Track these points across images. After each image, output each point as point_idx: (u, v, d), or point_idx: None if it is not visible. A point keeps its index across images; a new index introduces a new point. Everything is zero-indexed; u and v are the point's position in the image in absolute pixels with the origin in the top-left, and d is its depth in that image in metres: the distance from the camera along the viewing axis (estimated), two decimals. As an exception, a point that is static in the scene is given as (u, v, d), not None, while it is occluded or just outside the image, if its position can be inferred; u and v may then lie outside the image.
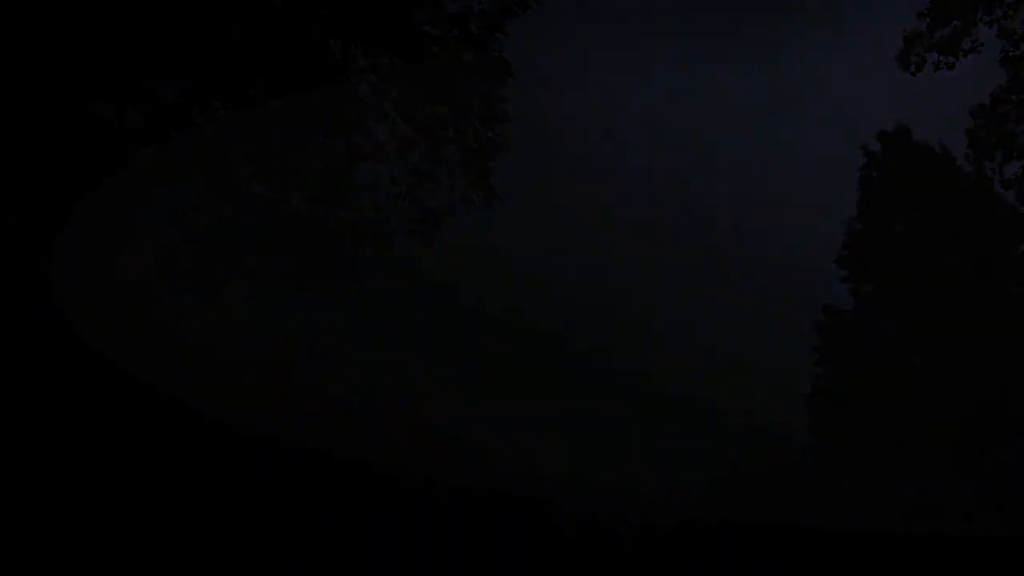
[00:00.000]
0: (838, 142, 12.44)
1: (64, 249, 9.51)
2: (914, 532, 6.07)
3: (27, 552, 5.76)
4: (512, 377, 7.68)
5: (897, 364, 8.69)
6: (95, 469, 6.50)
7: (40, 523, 6.03)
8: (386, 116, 12.28)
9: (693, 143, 12.41)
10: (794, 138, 12.65)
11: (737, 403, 7.26)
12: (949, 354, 8.58)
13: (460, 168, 11.89)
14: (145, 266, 9.34)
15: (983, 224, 11.56)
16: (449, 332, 8.31)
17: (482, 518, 5.87)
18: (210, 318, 8.53)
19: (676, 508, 6.12)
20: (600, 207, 10.78)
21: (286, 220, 10.24)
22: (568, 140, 12.52)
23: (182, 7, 10.78)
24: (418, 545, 5.81)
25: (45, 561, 5.76)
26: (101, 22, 10.37)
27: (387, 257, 9.91)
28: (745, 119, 13.20)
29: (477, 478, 6.45)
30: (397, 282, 9.32)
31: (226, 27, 11.30)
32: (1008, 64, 13.56)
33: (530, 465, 6.70)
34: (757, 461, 6.61)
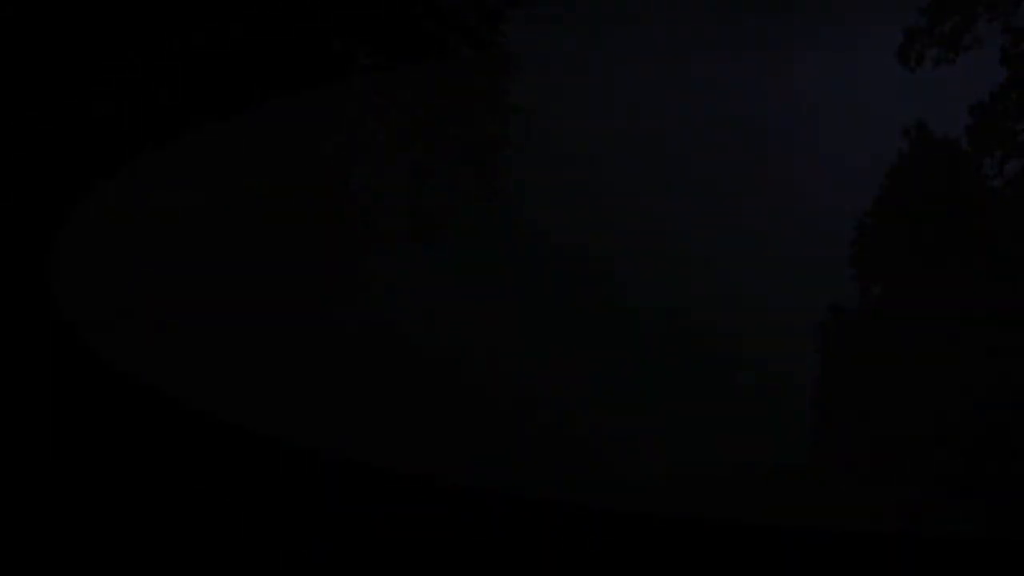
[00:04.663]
0: (843, 140, 12.43)
1: (64, 249, 9.51)
2: (914, 533, 6.10)
3: (27, 552, 5.78)
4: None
5: (901, 364, 8.69)
6: (96, 469, 6.53)
7: (40, 524, 6.05)
8: (386, 113, 12.29)
9: (694, 140, 12.41)
10: (798, 135, 12.65)
11: (738, 402, 7.27)
12: (956, 355, 8.57)
13: (461, 164, 11.90)
14: (145, 267, 9.34)
15: (986, 223, 11.56)
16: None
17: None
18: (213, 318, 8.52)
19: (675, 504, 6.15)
20: (596, 203, 10.78)
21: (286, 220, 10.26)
22: (569, 132, 12.51)
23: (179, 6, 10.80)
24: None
25: (45, 562, 5.78)
26: (100, 21, 10.38)
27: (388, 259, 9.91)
28: (750, 115, 13.20)
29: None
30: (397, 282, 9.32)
31: (225, 25, 11.32)
32: (1009, 61, 13.56)
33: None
34: (760, 461, 6.64)
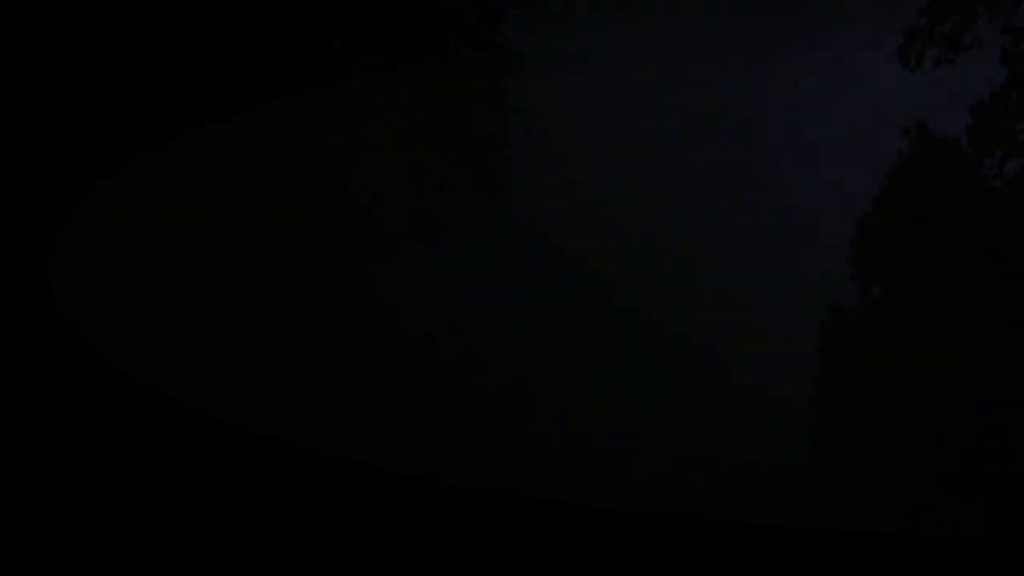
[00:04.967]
0: (843, 140, 12.43)
1: (64, 249, 9.51)
2: (913, 532, 6.10)
3: (27, 553, 5.78)
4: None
5: (901, 364, 8.68)
6: (96, 470, 6.52)
7: (40, 524, 6.05)
8: (386, 113, 12.29)
9: (699, 137, 12.40)
10: (801, 134, 12.65)
11: (740, 402, 7.27)
12: (956, 355, 8.56)
13: (462, 164, 11.90)
14: (145, 267, 9.34)
15: (986, 223, 11.55)
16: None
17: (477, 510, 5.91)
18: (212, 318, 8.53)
19: (677, 505, 6.16)
20: (599, 201, 10.78)
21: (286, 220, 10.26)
22: (573, 130, 12.51)
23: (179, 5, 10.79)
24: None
25: (45, 562, 5.78)
26: (100, 21, 10.37)
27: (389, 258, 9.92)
28: (752, 113, 13.19)
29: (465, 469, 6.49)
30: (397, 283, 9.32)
31: (225, 25, 11.31)
32: (1009, 61, 13.55)
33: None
34: (760, 461, 6.64)
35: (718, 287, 9.03)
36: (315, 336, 8.19)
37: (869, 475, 6.79)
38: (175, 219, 10.15)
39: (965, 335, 8.51)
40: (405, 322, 8.43)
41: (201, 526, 5.98)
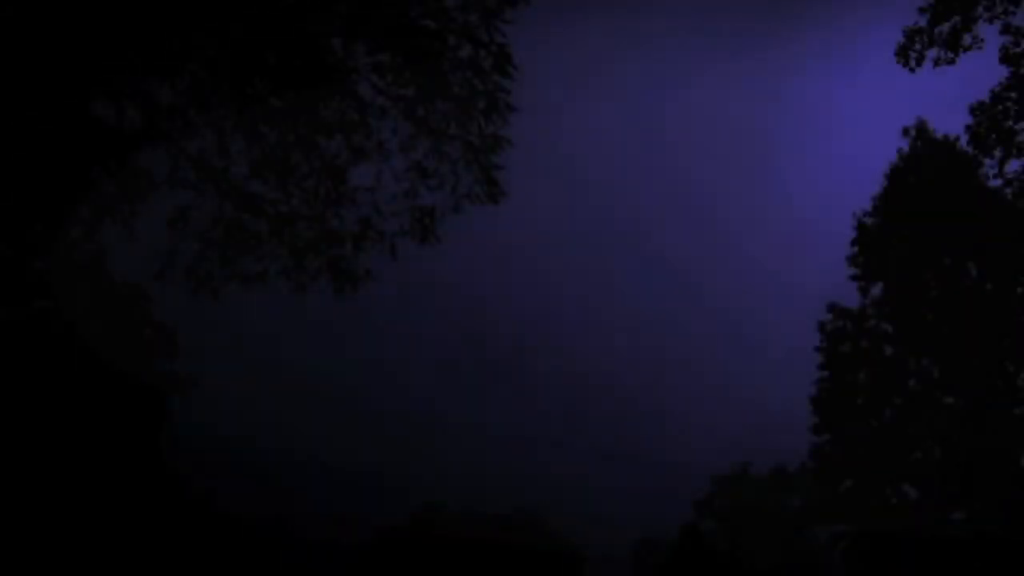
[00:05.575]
0: (842, 141, 12.45)
1: (64, 249, 9.52)
2: (915, 531, 6.13)
3: (26, 550, 5.79)
4: (502, 387, 7.70)
5: (901, 364, 8.71)
6: (94, 468, 6.53)
7: (39, 522, 6.06)
8: (387, 113, 12.26)
9: (699, 140, 12.43)
10: (800, 139, 12.67)
11: (742, 403, 7.28)
12: (955, 354, 8.59)
13: (463, 164, 11.89)
14: (144, 267, 9.36)
15: (990, 224, 11.55)
16: (447, 340, 8.33)
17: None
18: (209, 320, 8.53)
19: (677, 510, 6.16)
20: (603, 204, 10.80)
21: (286, 220, 10.26)
22: (571, 139, 12.54)
23: (180, 5, 10.77)
24: None
25: (44, 559, 5.78)
26: (99, 21, 10.36)
27: (387, 257, 9.91)
28: (752, 118, 13.23)
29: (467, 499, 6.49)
30: (398, 282, 9.31)
31: (225, 25, 11.29)
32: (1008, 61, 13.55)
33: (520, 477, 6.74)
34: (762, 461, 6.66)
35: (719, 288, 9.06)
36: (313, 337, 8.20)
37: (869, 475, 6.80)
38: (175, 219, 10.18)
39: (965, 336, 8.53)
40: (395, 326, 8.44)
41: (201, 525, 6.00)
